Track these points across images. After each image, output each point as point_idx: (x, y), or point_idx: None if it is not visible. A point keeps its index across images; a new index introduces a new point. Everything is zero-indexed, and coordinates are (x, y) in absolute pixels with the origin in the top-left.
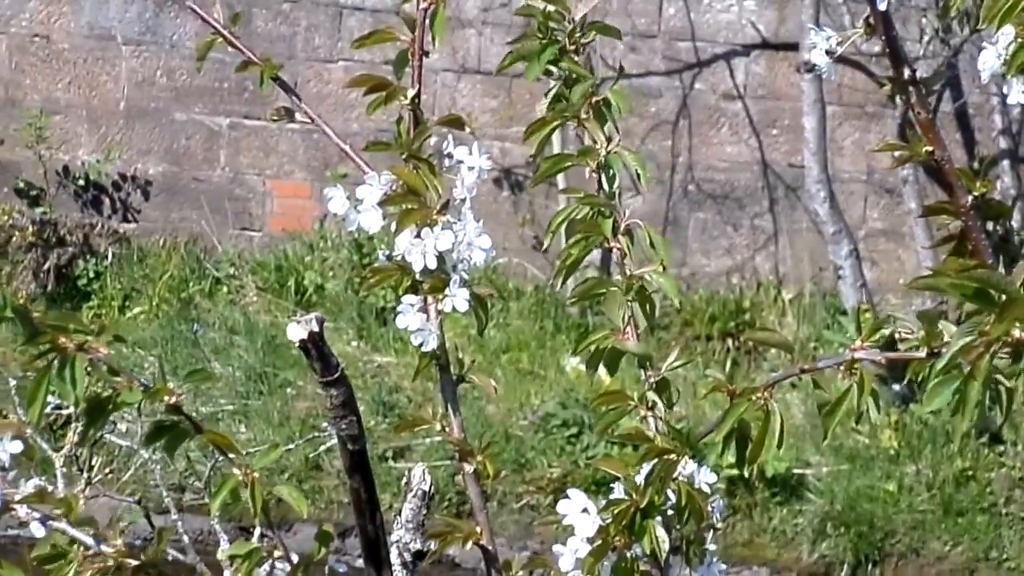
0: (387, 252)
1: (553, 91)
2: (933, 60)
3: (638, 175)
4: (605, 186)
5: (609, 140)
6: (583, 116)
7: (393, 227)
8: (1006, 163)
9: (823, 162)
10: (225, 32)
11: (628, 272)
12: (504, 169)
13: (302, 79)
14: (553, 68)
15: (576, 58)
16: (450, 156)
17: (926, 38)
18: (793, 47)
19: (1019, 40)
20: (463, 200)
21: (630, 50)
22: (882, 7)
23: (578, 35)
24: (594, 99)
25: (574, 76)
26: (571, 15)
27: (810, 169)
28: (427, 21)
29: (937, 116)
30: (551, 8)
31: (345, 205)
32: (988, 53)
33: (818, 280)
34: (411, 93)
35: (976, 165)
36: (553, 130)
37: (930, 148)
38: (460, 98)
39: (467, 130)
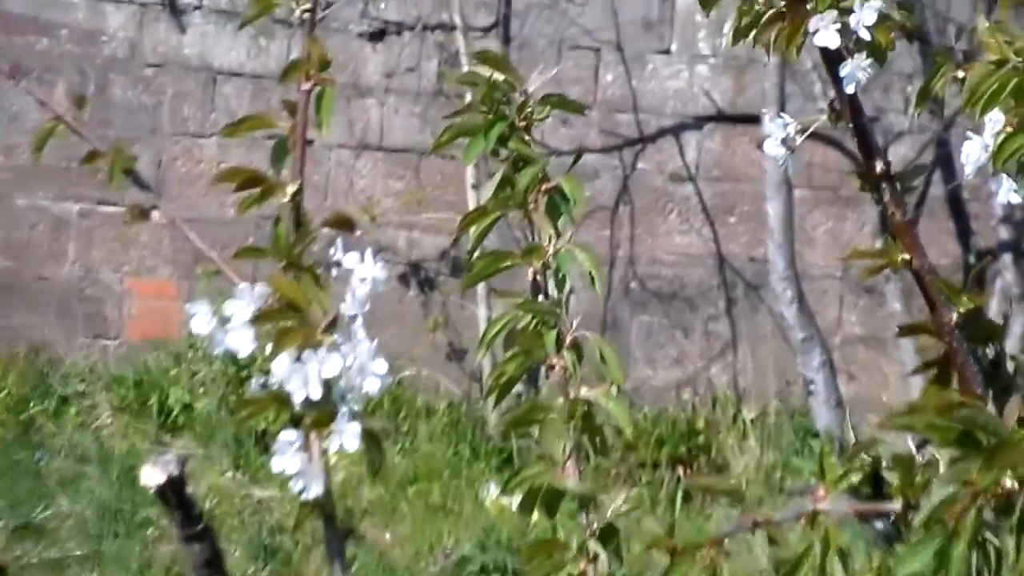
0: (263, 378)
1: (499, 175)
2: (920, 135)
3: (592, 278)
4: (553, 290)
5: (559, 236)
6: (531, 206)
7: (269, 349)
8: (1007, 257)
9: (790, 256)
10: (67, 118)
11: (572, 394)
12: (412, 263)
13: (168, 157)
14: (500, 148)
15: (527, 137)
16: (338, 264)
17: (912, 110)
18: (754, 120)
19: (1008, 128)
20: (354, 317)
21: (561, 123)
22: (849, 89)
23: (530, 110)
24: (545, 187)
25: (523, 158)
26: (522, 87)
27: (774, 264)
28: (313, 103)
29: (926, 201)
30: (499, 77)
31: (210, 323)
32: (972, 144)
33: (785, 396)
34: (292, 189)
35: (972, 259)
36: (495, 222)
37: (907, 256)
38: (359, 179)
39: (367, 217)
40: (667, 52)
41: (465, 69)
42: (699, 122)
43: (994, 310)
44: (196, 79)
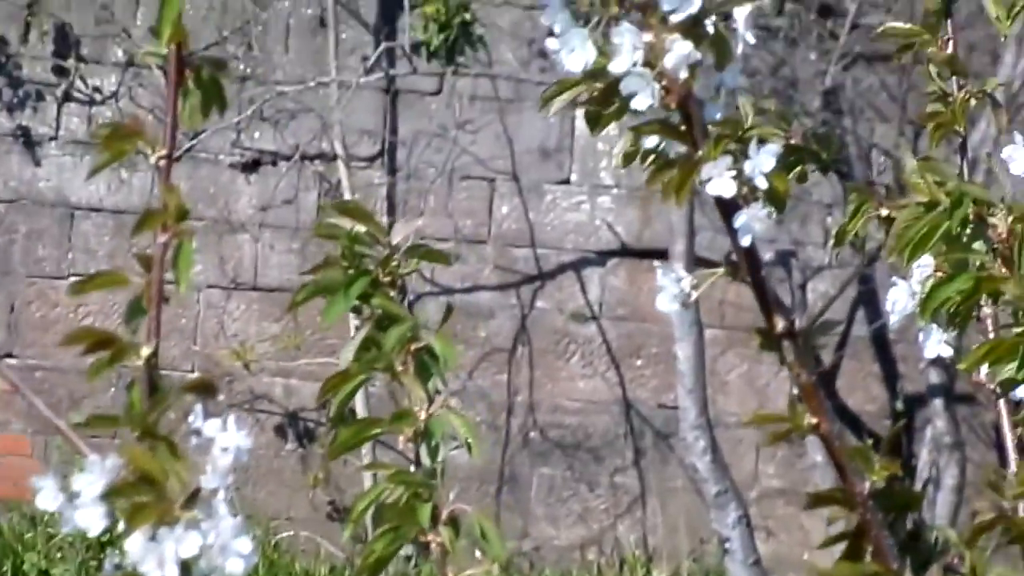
0: (116, 560)
1: (361, 335)
2: (842, 270)
3: (468, 445)
4: (425, 459)
5: (431, 400)
6: (399, 368)
7: (122, 527)
8: (938, 402)
9: (702, 402)
10: None
11: (450, 575)
12: (289, 414)
13: (22, 301)
14: (362, 305)
15: (391, 292)
16: (198, 432)
17: (832, 244)
18: (661, 254)
19: (939, 274)
20: (215, 490)
21: (453, 258)
22: (745, 242)
23: (395, 263)
24: (413, 347)
25: (388, 316)
26: (386, 238)
27: (686, 411)
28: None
29: (848, 342)
30: (360, 228)
31: (58, 499)
32: (899, 290)
33: (699, 555)
34: (146, 351)
35: (900, 405)
36: (359, 386)
37: (814, 420)
38: (231, 322)
39: (240, 363)
40: (567, 182)
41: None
42: (602, 257)
43: (924, 459)
44: (52, 215)
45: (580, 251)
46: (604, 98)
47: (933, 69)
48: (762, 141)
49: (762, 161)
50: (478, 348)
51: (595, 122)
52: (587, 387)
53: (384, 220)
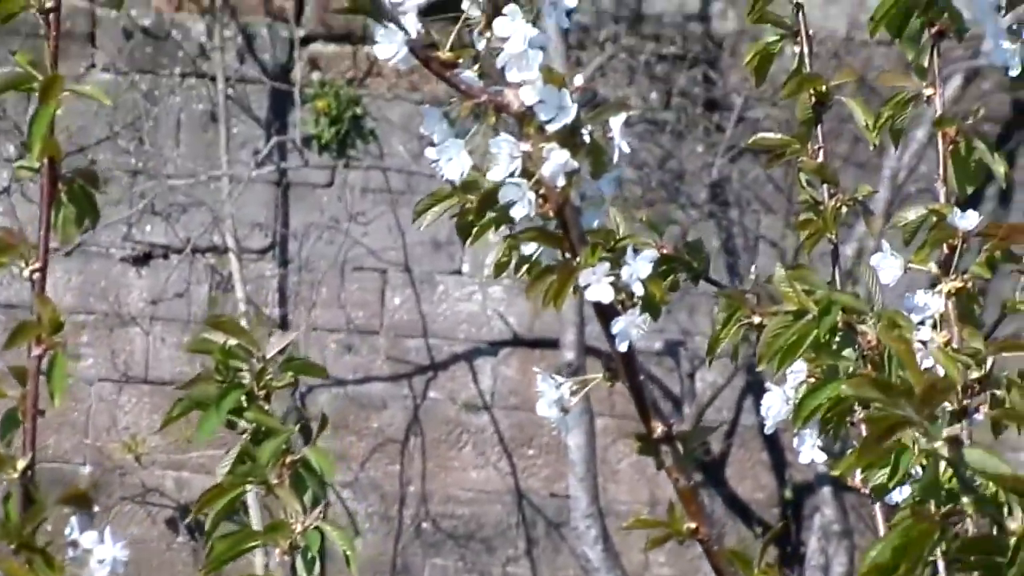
0: None
1: (236, 451)
2: (730, 361)
3: (347, 558)
4: (302, 572)
5: (307, 511)
6: (274, 481)
7: None
8: (827, 491)
9: (593, 491)
10: None
11: None
12: (181, 507)
13: None
14: (237, 419)
15: (267, 406)
16: (74, 544)
17: (706, 353)
18: (552, 344)
19: (811, 379)
20: None
21: (345, 349)
22: (622, 348)
23: (269, 376)
24: (289, 459)
25: (263, 429)
26: (260, 352)
27: (577, 500)
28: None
29: (737, 431)
30: (232, 342)
31: None
32: (773, 396)
33: None
34: (22, 464)
35: (788, 493)
36: (234, 500)
37: (693, 525)
38: (123, 415)
39: (131, 456)
40: (458, 273)
41: (239, 294)
42: (494, 347)
43: (813, 547)
44: None
45: (472, 341)
46: (483, 206)
47: (804, 177)
48: (636, 250)
49: (639, 267)
50: (370, 439)
51: (467, 233)
52: (479, 477)
53: (276, 312)
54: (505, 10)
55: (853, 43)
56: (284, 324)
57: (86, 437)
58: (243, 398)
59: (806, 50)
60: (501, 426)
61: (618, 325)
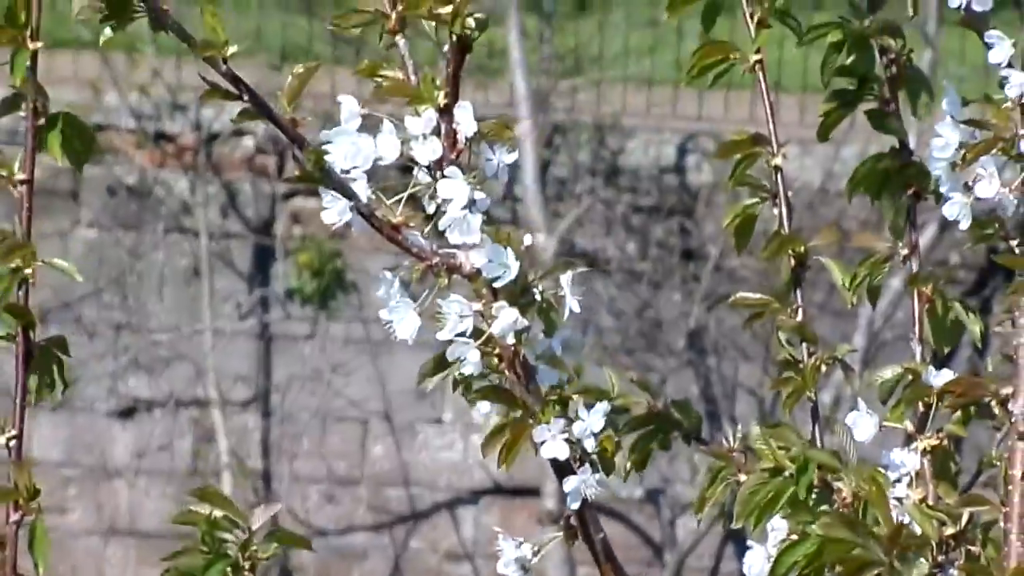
0: None
1: None
2: (711, 508)
3: None
4: None
5: None
6: None
7: None
8: None
9: None
10: None
11: None
12: None
13: None
14: None
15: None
16: None
17: (695, 511)
18: (534, 492)
19: (793, 537)
20: None
21: (327, 500)
22: (575, 506)
23: (254, 547)
24: None
25: None
26: (246, 523)
27: None
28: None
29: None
30: (218, 514)
31: None
32: (755, 554)
33: None
34: None
35: None
36: None
37: None
38: (109, 568)
39: None
40: (439, 422)
41: (222, 446)
42: (475, 496)
43: None
44: None
45: (453, 490)
46: (437, 367)
47: (783, 336)
48: (589, 405)
49: (592, 422)
50: None
51: (467, 389)
52: None
53: (259, 464)
54: (447, 172)
55: (828, 194)
56: (266, 476)
57: None
58: (229, 570)
59: (784, 211)
60: (483, 575)
61: (569, 484)
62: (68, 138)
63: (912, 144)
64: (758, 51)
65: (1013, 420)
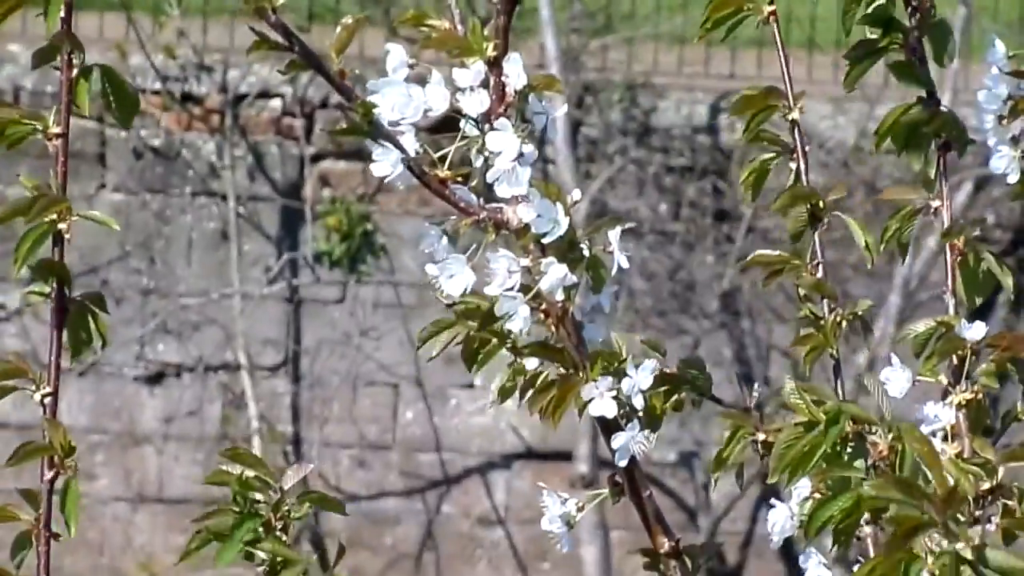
0: None
1: None
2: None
3: None
4: None
5: None
6: None
7: None
8: None
9: None
10: None
11: None
12: None
13: None
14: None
15: (284, 536)
16: None
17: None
18: (566, 456)
19: (818, 495)
20: None
21: (358, 465)
22: (623, 463)
23: (286, 508)
24: None
25: (280, 561)
26: (278, 483)
27: None
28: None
29: (753, 540)
30: (249, 473)
31: None
32: (778, 512)
33: None
34: None
35: None
36: None
37: None
38: (138, 534)
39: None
40: (471, 387)
41: (252, 411)
42: (507, 460)
43: None
44: None
45: (485, 455)
46: (484, 323)
47: (803, 292)
48: (637, 364)
49: (641, 379)
50: (384, 555)
51: (472, 360)
52: None
53: (289, 429)
54: (496, 125)
55: (862, 152)
56: (297, 440)
57: (101, 556)
58: (260, 529)
59: (803, 166)
60: (516, 540)
61: (618, 440)
62: (109, 95)
63: (946, 100)
64: (771, 2)
65: None
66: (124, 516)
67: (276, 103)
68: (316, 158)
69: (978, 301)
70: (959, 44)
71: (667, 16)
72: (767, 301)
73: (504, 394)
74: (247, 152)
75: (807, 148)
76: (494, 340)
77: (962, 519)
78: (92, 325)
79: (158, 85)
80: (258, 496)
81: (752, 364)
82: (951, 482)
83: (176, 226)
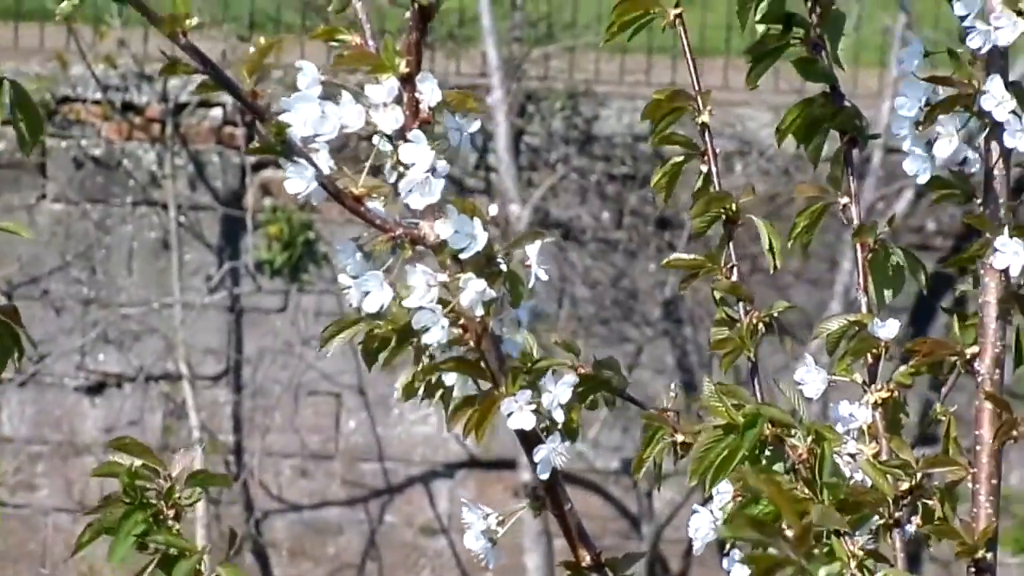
0: None
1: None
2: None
3: None
4: None
5: None
6: None
7: None
8: None
9: None
10: None
11: None
12: None
13: None
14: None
15: (177, 525)
16: None
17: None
18: (510, 465)
19: (738, 498)
20: None
21: (300, 474)
22: (544, 476)
23: (177, 495)
24: None
25: (173, 552)
26: (166, 471)
27: None
28: None
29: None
30: (138, 463)
31: None
32: (701, 517)
33: None
34: None
35: None
36: None
37: None
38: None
39: None
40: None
41: (193, 420)
42: (450, 469)
43: None
44: None
45: (428, 464)
46: (402, 337)
47: (718, 296)
48: (555, 374)
49: (560, 393)
50: (327, 565)
51: (374, 359)
52: None
53: (230, 439)
54: (410, 136)
55: (803, 159)
56: (239, 450)
57: (43, 568)
58: (152, 519)
59: (714, 169)
60: (459, 549)
61: (540, 453)
62: (16, 111)
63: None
64: (677, 4)
65: (980, 380)
66: (65, 526)
67: (217, 112)
68: (257, 167)
69: (889, 297)
70: (897, 51)
71: (608, 25)
72: (709, 309)
73: (408, 392)
74: (188, 161)
75: (717, 152)
76: (394, 339)
77: (816, 554)
78: (10, 340)
79: (99, 95)
80: (147, 485)
81: (695, 371)
82: (810, 518)
83: (117, 236)
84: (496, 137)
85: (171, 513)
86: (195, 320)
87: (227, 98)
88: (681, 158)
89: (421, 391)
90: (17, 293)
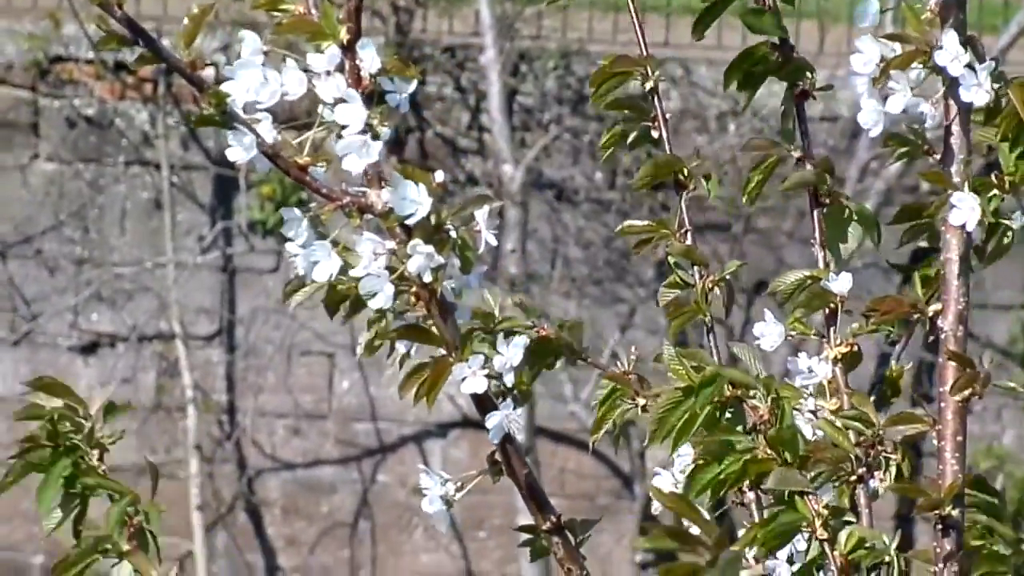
0: None
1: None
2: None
3: None
4: None
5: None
6: (126, 548)
7: None
8: None
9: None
10: None
11: None
12: None
13: None
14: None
15: (101, 466)
16: None
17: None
18: None
19: (699, 462)
20: None
21: (293, 433)
22: (496, 440)
23: (100, 435)
24: (137, 520)
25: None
26: (86, 410)
27: None
28: None
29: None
30: (57, 403)
31: None
32: (662, 479)
33: None
34: None
35: None
36: (85, 569)
37: None
38: None
39: None
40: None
41: (186, 380)
42: (443, 429)
43: None
44: None
45: (421, 424)
46: (355, 305)
47: (672, 259)
48: (509, 334)
49: (512, 355)
50: (320, 523)
51: (335, 311)
52: (431, 561)
53: (223, 398)
54: (344, 95)
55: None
56: (231, 410)
57: (36, 527)
58: (76, 463)
59: (665, 134)
60: (452, 509)
61: (492, 419)
62: None
63: None
64: None
65: (943, 337)
66: None
67: (209, 72)
68: None
69: (844, 250)
70: (894, 12)
71: None
72: None
73: (370, 349)
74: (180, 121)
75: (667, 116)
76: (352, 297)
77: (735, 563)
78: None
79: (91, 54)
80: (69, 427)
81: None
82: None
83: (110, 195)
84: (489, 97)
85: (95, 453)
86: (188, 280)
87: (219, 57)
88: (628, 123)
89: (388, 350)
90: (10, 253)
